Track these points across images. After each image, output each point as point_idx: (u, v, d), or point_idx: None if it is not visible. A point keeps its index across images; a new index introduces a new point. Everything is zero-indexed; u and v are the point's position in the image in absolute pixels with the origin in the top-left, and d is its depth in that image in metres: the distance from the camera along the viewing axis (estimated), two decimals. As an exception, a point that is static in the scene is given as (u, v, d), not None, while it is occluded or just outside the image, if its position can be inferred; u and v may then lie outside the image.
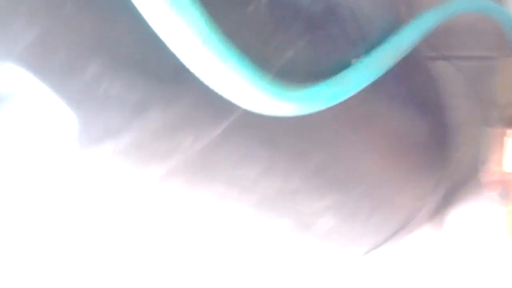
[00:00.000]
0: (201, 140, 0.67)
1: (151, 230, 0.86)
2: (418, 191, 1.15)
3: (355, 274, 1.46)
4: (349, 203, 0.97)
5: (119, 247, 0.93)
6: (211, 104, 0.62)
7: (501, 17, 1.25)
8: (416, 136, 1.03)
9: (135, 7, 0.49)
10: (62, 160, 0.60)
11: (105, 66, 0.54)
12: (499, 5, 1.27)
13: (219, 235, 0.91)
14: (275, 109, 0.61)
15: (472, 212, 1.44)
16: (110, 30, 0.54)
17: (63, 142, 0.58)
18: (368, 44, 0.82)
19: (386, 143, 0.95)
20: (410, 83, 1.05)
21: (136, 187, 0.68)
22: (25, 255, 0.89)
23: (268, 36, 0.65)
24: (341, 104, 0.70)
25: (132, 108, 0.57)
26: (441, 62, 1.83)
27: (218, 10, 0.54)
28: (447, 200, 1.46)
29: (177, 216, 0.83)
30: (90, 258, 0.96)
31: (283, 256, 1.07)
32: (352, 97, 0.71)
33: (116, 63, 0.55)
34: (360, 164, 0.92)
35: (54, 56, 0.52)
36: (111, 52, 0.54)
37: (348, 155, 0.87)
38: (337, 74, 0.71)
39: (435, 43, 1.76)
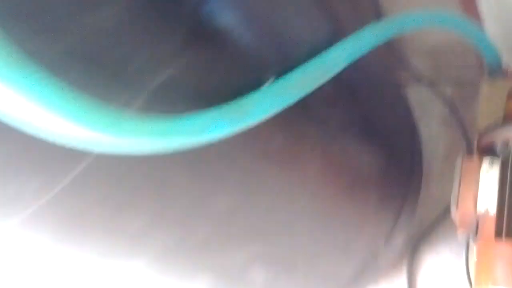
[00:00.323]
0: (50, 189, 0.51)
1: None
2: (373, 235, 0.98)
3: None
4: (281, 253, 0.80)
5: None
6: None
7: (470, 34, 1.10)
8: (366, 173, 0.87)
9: None
10: None
11: None
12: (471, 23, 1.11)
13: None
14: (130, 148, 0.46)
15: (441, 258, 1.27)
16: None
17: None
18: (293, 62, 0.67)
19: (324, 182, 0.78)
20: (362, 110, 0.89)
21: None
22: None
23: (133, 49, 0.50)
24: (257, 133, 0.55)
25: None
26: (420, 88, 1.69)
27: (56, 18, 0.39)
28: (412, 244, 1.29)
29: (47, 275, 0.66)
30: None
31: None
32: (273, 126, 0.56)
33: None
34: (287, 207, 0.75)
35: None
36: None
37: (268, 198, 0.71)
38: (234, 99, 0.55)
39: (417, 68, 1.62)
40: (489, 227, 0.99)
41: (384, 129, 0.96)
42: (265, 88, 0.59)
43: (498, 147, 1.10)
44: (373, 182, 0.89)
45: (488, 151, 1.14)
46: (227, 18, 0.56)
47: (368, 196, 0.89)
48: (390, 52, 1.51)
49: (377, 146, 0.90)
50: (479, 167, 1.12)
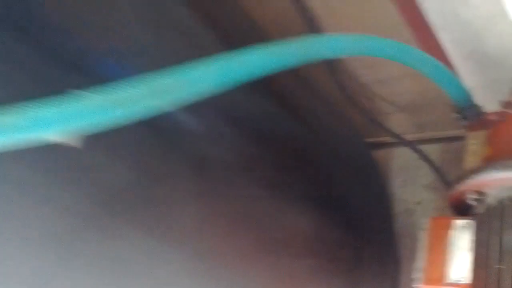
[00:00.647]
0: None
1: None
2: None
3: None
4: None
5: None
6: None
7: (424, 67, 0.92)
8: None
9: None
10: None
11: None
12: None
13: None
14: None
15: None
16: None
17: None
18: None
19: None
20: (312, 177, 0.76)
21: None
22: None
23: None
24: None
25: None
26: (403, 149, 1.49)
27: None
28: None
29: None
30: None
31: None
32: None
33: None
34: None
35: None
36: None
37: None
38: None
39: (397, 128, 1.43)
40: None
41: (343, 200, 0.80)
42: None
43: (471, 201, 0.88)
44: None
45: (461, 209, 0.92)
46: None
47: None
48: (358, 112, 1.33)
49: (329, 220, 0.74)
50: (449, 229, 0.90)
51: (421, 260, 0.87)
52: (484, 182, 0.85)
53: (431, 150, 1.40)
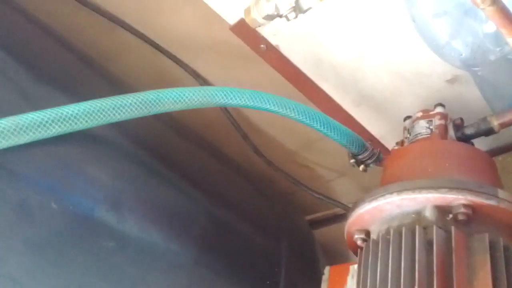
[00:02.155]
0: None
1: None
2: None
3: None
4: None
5: None
6: None
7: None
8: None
9: None
10: None
11: None
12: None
13: None
14: None
15: None
16: None
17: None
18: None
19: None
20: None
21: None
22: None
23: None
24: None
25: None
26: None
27: None
28: None
29: None
30: None
31: None
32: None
33: None
34: None
35: None
36: None
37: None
38: None
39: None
40: None
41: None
42: None
43: (359, 241, 0.82)
44: None
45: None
46: None
47: None
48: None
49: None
50: (347, 275, 0.83)
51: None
52: (360, 216, 0.80)
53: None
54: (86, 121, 0.72)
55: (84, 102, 0.72)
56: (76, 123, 0.71)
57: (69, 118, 0.71)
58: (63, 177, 0.75)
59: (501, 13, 0.63)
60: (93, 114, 0.73)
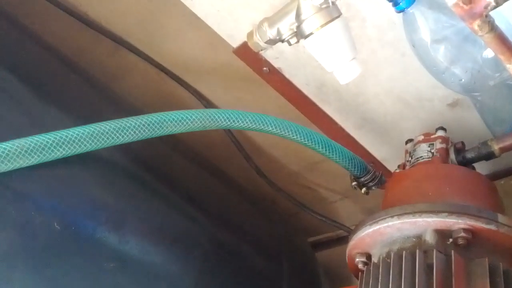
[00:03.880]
0: None
1: None
2: None
3: None
4: None
5: None
6: None
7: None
8: None
9: None
10: None
11: None
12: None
13: None
14: None
15: None
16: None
17: None
18: None
19: None
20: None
21: None
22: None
23: None
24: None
25: None
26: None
27: None
28: None
29: None
30: None
31: None
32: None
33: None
34: None
35: None
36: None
37: None
38: None
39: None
40: None
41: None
42: None
43: (360, 265, 0.82)
44: None
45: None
46: None
47: None
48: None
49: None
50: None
51: None
52: (361, 240, 0.80)
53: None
54: (90, 144, 0.73)
55: (88, 125, 0.73)
56: (80, 146, 0.72)
57: (73, 141, 0.72)
58: (66, 198, 0.75)
59: (498, 40, 0.64)
60: (97, 137, 0.74)
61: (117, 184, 0.83)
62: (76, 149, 0.72)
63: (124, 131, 0.76)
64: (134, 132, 0.77)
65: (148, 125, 0.79)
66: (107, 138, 0.75)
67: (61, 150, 0.71)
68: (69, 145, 0.72)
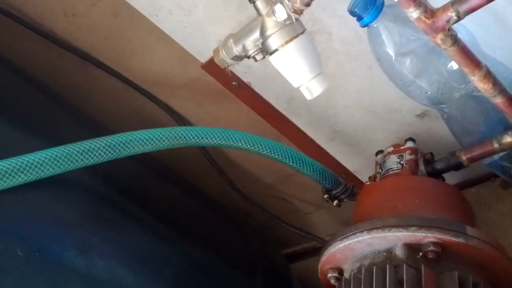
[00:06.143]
0: None
1: None
2: None
3: None
4: None
5: None
6: None
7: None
8: None
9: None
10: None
11: None
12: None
13: None
14: None
15: None
16: None
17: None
18: None
19: None
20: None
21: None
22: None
23: None
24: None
25: None
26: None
27: None
28: None
29: None
30: None
31: None
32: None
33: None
34: None
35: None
36: None
37: None
38: None
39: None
40: None
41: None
42: None
43: (333, 280, 0.81)
44: None
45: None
46: None
47: None
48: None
49: None
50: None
51: None
52: (332, 255, 0.80)
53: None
54: (53, 168, 0.71)
55: (51, 148, 0.71)
56: (42, 171, 0.70)
57: (35, 166, 0.70)
58: (29, 222, 0.73)
59: (462, 53, 0.64)
60: (61, 160, 0.72)
61: (84, 205, 0.82)
62: (39, 174, 0.70)
63: (89, 153, 0.75)
64: (100, 154, 0.75)
65: (114, 146, 0.77)
66: (72, 161, 0.73)
67: (22, 176, 0.69)
68: (31, 171, 0.69)
